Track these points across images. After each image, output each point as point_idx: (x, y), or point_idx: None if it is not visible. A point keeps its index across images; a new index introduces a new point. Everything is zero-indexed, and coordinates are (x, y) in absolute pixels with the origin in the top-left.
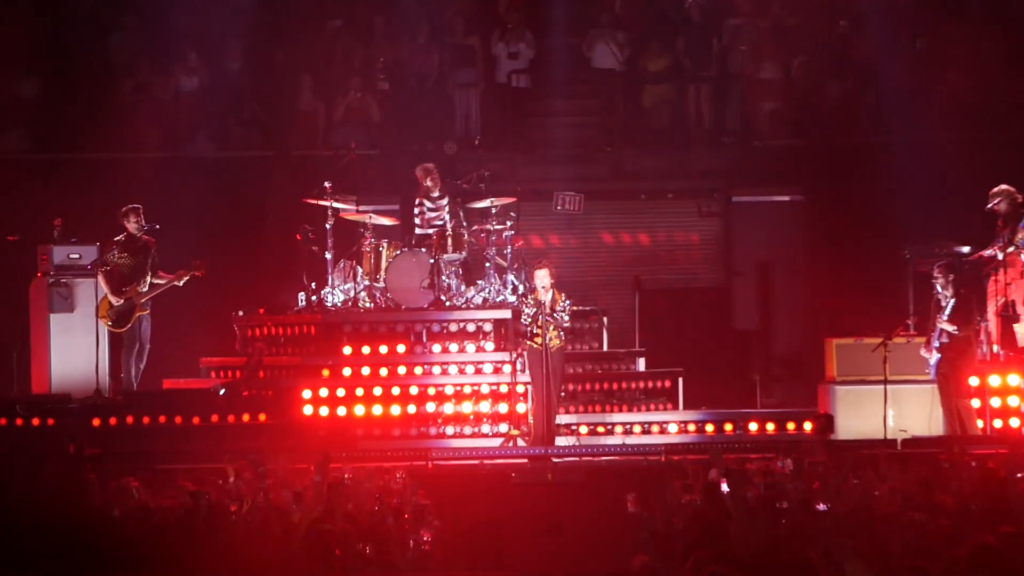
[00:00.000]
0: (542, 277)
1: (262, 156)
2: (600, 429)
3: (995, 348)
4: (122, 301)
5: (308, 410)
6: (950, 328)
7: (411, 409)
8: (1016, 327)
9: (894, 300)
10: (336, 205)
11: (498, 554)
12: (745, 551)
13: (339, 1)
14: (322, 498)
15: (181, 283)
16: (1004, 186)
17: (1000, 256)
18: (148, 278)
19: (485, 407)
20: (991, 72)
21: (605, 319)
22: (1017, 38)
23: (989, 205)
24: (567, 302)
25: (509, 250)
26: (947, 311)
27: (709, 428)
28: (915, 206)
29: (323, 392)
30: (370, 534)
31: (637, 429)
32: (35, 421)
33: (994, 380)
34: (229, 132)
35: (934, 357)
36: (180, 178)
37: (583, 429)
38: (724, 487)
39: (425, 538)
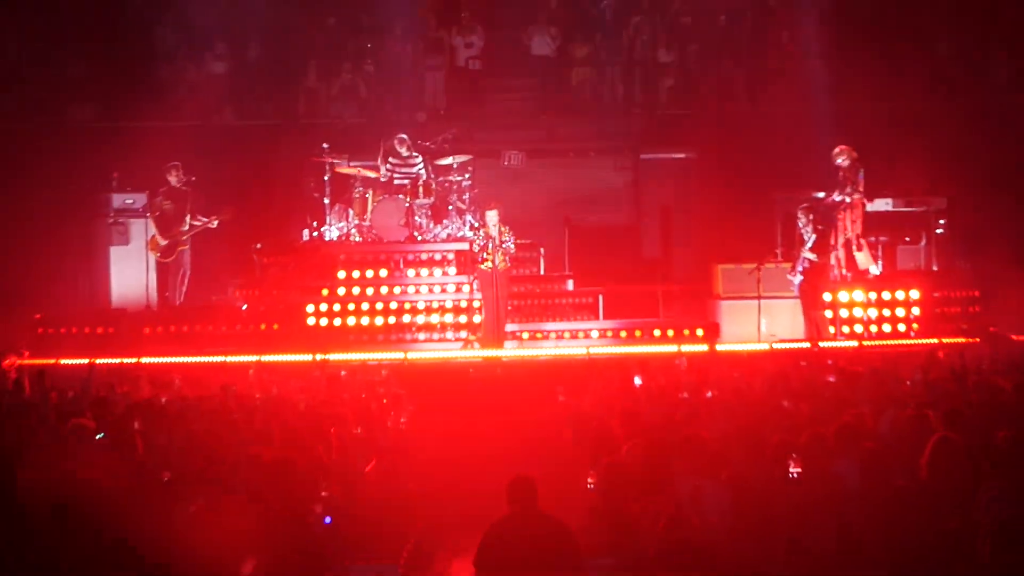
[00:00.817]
0: (492, 216)
1: (275, 124)
2: (539, 335)
3: (843, 271)
4: (167, 240)
5: (311, 321)
6: (811, 256)
7: (391, 320)
8: (857, 255)
9: (766, 234)
10: (332, 161)
11: (458, 431)
12: (651, 426)
13: (334, 2)
14: (322, 389)
15: (214, 224)
16: (843, 146)
17: (847, 200)
18: (188, 220)
19: (449, 318)
20: (842, 55)
21: (542, 250)
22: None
23: (835, 161)
24: (511, 235)
25: (467, 196)
26: (808, 243)
27: (623, 334)
28: (781, 161)
29: (323, 307)
30: (359, 417)
31: (567, 335)
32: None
33: (843, 296)
34: (248, 106)
35: (797, 279)
36: (210, 142)
37: (524, 335)
38: (637, 380)
39: (401, 419)
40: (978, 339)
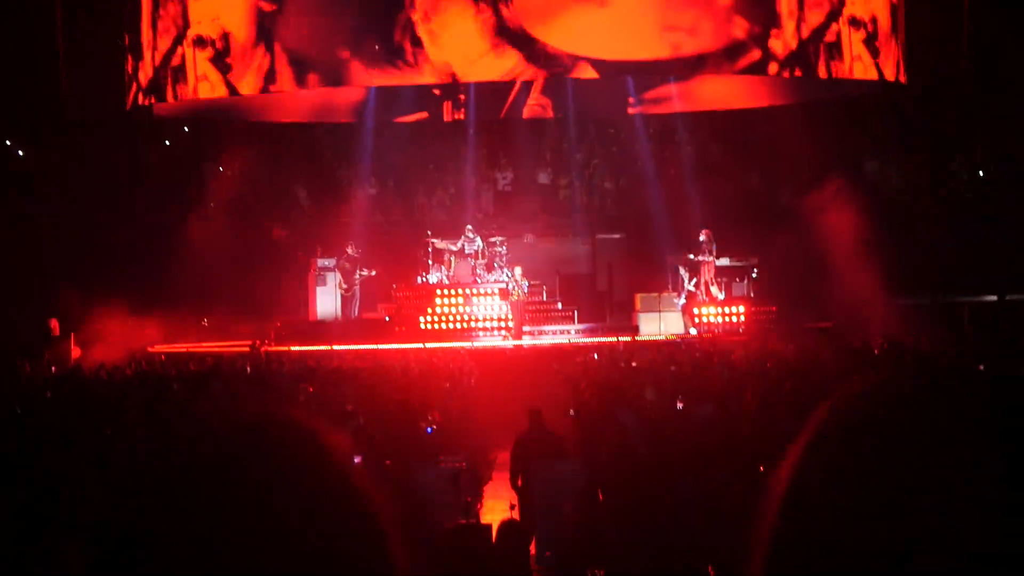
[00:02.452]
0: (517, 271)
1: (402, 220)
2: (542, 333)
3: (704, 297)
4: (347, 285)
5: (423, 325)
6: (690, 288)
7: (465, 325)
8: (712, 288)
9: (663, 277)
10: (432, 240)
11: (500, 386)
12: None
13: (434, 154)
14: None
15: (372, 274)
16: (705, 229)
17: (706, 259)
18: (358, 273)
19: (495, 324)
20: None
21: (544, 287)
22: None
23: (700, 238)
24: (526, 281)
25: (505, 259)
26: (687, 283)
27: (587, 331)
28: (671, 237)
29: (430, 319)
30: (450, 377)
31: (559, 332)
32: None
33: (704, 310)
34: (387, 211)
35: (681, 301)
36: (369, 231)
37: (535, 333)
38: (595, 355)
39: (472, 381)
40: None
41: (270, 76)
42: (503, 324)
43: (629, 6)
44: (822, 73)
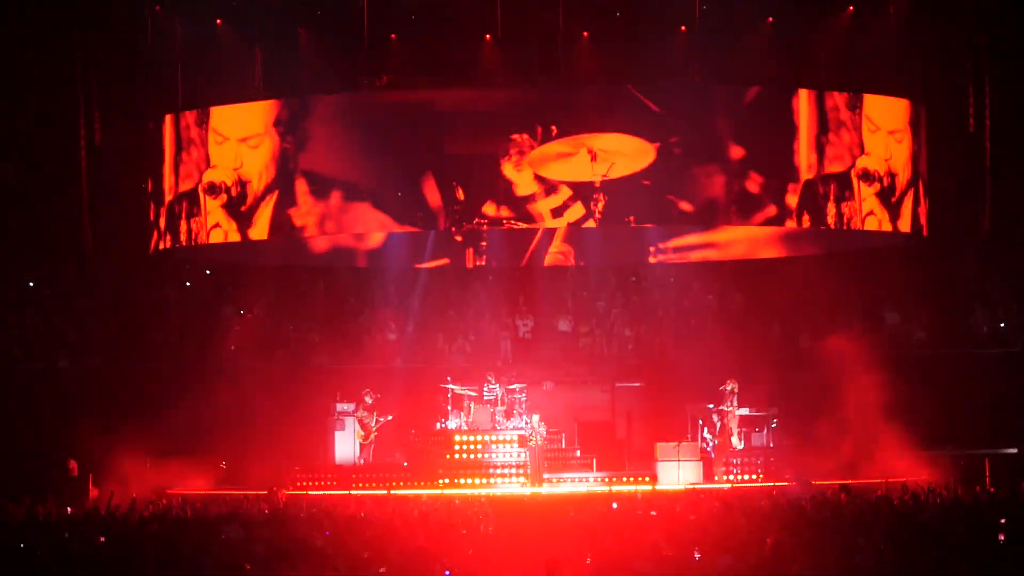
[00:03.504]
0: (535, 418)
1: (421, 367)
2: (561, 480)
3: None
4: (364, 433)
5: (441, 472)
6: (709, 438)
7: (483, 469)
8: (732, 439)
9: (682, 426)
10: (452, 387)
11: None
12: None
13: (455, 307)
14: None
15: (389, 419)
16: (730, 379)
17: (728, 408)
18: (375, 419)
19: (513, 469)
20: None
21: (563, 435)
22: None
23: (725, 386)
24: (544, 428)
25: (524, 406)
26: (707, 433)
27: (605, 479)
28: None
29: (448, 465)
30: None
31: (577, 480)
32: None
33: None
34: (407, 359)
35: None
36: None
37: (554, 479)
38: (615, 505)
39: (489, 528)
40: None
41: (286, 221)
42: (521, 471)
43: None
44: (834, 224)
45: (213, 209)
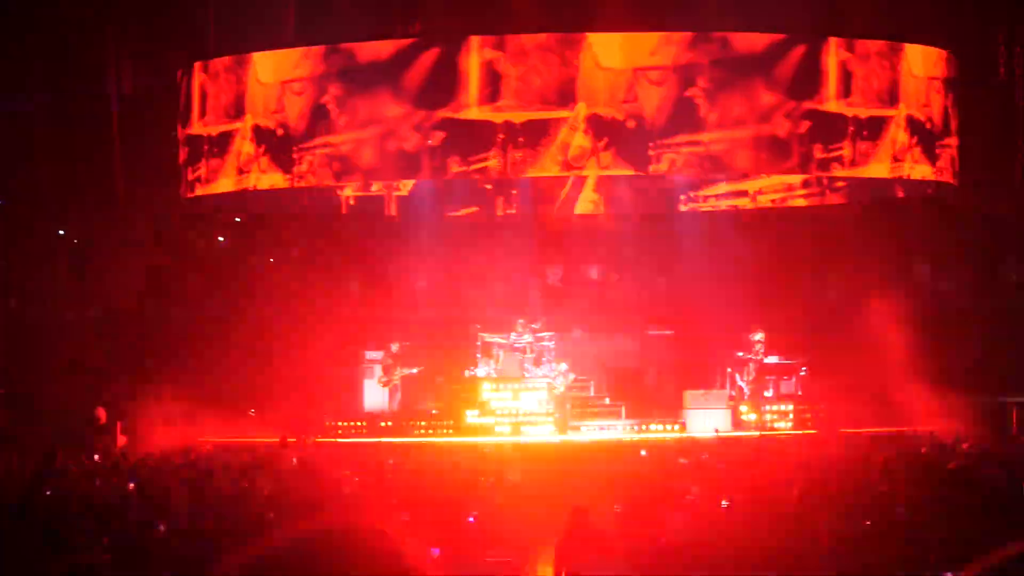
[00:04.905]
0: (564, 365)
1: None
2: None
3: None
4: (387, 379)
5: (469, 420)
6: (742, 384)
7: (509, 418)
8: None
9: (710, 375)
10: (482, 333)
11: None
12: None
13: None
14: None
15: (415, 371)
16: (758, 327)
17: (757, 357)
18: (399, 370)
19: (541, 419)
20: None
21: (592, 382)
22: None
23: (754, 335)
24: (572, 374)
25: (553, 353)
26: (739, 380)
27: (634, 427)
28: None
29: (475, 413)
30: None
31: (605, 427)
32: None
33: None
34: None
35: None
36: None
37: (581, 427)
38: (643, 452)
39: (516, 476)
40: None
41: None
42: (550, 419)
43: None
44: (874, 173)
45: (250, 156)
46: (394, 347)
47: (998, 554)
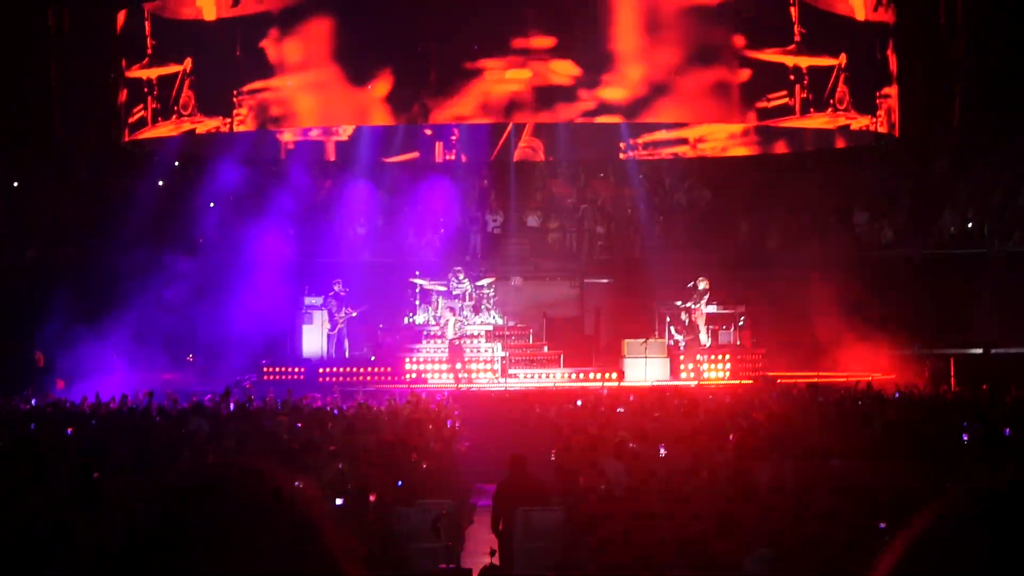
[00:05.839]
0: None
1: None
2: (528, 376)
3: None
4: (331, 324)
5: (409, 367)
6: (677, 336)
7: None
8: (699, 335)
9: (649, 324)
10: (420, 281)
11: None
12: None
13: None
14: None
15: (355, 314)
16: (701, 276)
17: (696, 306)
18: (344, 311)
19: (483, 365)
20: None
21: (531, 330)
22: None
23: (696, 284)
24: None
25: (493, 300)
26: (674, 329)
27: (573, 375)
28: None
29: (416, 359)
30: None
31: (544, 375)
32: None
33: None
34: (375, 252)
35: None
36: (353, 271)
37: (520, 375)
38: (578, 402)
39: (455, 424)
40: (755, 381)
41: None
42: (488, 366)
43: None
44: (815, 124)
45: (190, 99)
46: (337, 287)
47: (932, 507)
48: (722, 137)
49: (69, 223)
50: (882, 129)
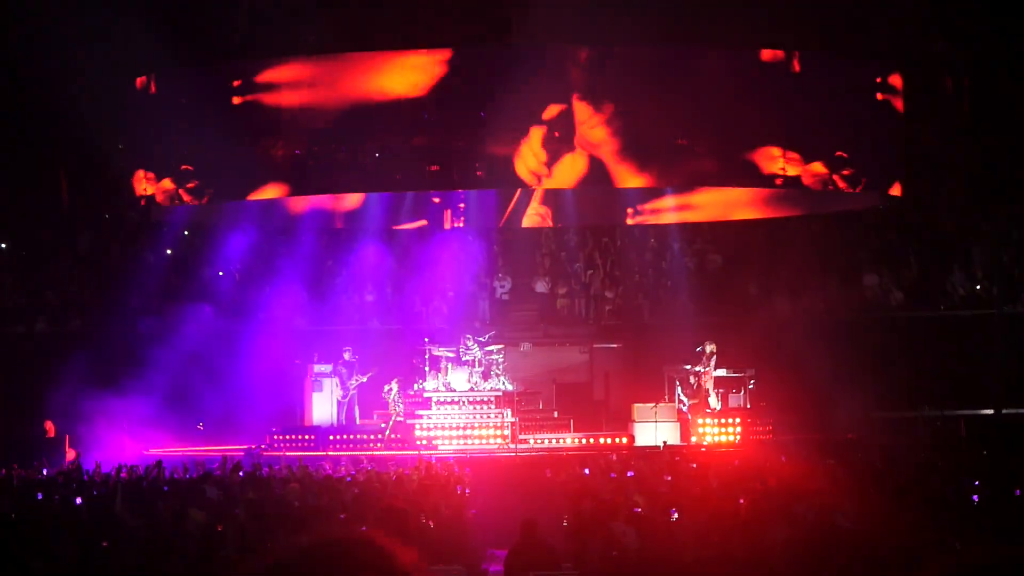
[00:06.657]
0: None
1: (400, 328)
2: (538, 440)
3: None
4: (343, 392)
5: (418, 432)
6: (686, 400)
7: (459, 432)
8: (709, 399)
9: (658, 388)
10: (430, 347)
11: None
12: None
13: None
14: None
15: (366, 380)
16: (708, 341)
17: (705, 370)
18: (355, 378)
19: (493, 431)
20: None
21: (541, 397)
22: None
23: (705, 347)
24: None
25: (502, 367)
26: (683, 394)
27: (582, 440)
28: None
29: (425, 425)
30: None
31: (554, 440)
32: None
33: (700, 420)
34: (389, 320)
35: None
36: (365, 339)
37: (531, 440)
38: (586, 471)
39: (465, 490)
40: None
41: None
42: (499, 432)
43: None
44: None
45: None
46: (347, 354)
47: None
48: (727, 201)
49: (78, 293)
50: (890, 193)
